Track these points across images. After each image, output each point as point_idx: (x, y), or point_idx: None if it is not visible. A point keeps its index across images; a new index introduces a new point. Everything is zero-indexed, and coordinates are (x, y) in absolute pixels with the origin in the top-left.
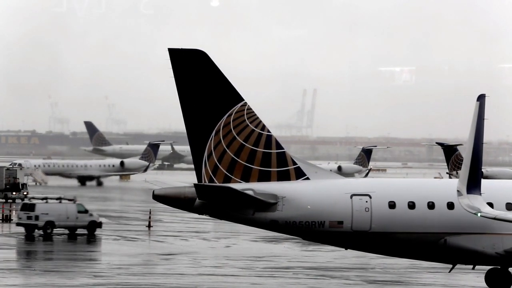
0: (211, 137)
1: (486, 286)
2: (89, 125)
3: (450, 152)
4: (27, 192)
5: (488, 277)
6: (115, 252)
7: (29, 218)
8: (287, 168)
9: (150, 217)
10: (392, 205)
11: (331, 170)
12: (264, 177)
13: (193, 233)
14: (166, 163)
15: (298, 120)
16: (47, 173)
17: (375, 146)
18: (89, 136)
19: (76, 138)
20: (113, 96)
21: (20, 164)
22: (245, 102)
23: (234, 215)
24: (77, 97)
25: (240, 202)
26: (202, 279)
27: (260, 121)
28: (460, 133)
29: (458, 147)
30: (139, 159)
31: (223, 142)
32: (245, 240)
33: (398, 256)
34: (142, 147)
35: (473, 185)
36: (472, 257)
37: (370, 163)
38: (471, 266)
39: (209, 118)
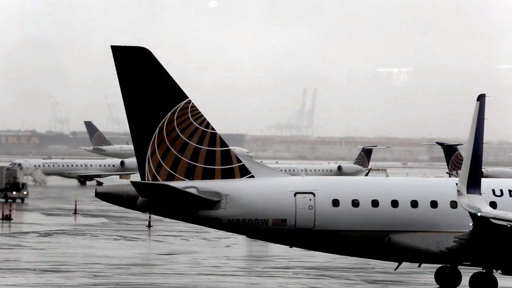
0: (154, 134)
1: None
2: (89, 125)
3: (450, 152)
4: (27, 192)
5: (438, 275)
6: (115, 252)
7: None
8: (231, 166)
9: (150, 217)
10: (336, 203)
11: (331, 170)
12: (208, 175)
13: (193, 233)
14: None
15: (298, 120)
16: (47, 173)
17: (375, 146)
18: (89, 136)
19: (76, 138)
20: (113, 96)
21: (20, 164)
22: (189, 100)
23: (176, 213)
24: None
25: (182, 200)
26: (202, 279)
27: (205, 119)
28: (460, 133)
29: (458, 147)
30: None
31: (166, 139)
32: (245, 240)
33: (342, 254)
34: None
35: (473, 185)
36: (417, 255)
37: (370, 163)
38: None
39: (152, 116)
